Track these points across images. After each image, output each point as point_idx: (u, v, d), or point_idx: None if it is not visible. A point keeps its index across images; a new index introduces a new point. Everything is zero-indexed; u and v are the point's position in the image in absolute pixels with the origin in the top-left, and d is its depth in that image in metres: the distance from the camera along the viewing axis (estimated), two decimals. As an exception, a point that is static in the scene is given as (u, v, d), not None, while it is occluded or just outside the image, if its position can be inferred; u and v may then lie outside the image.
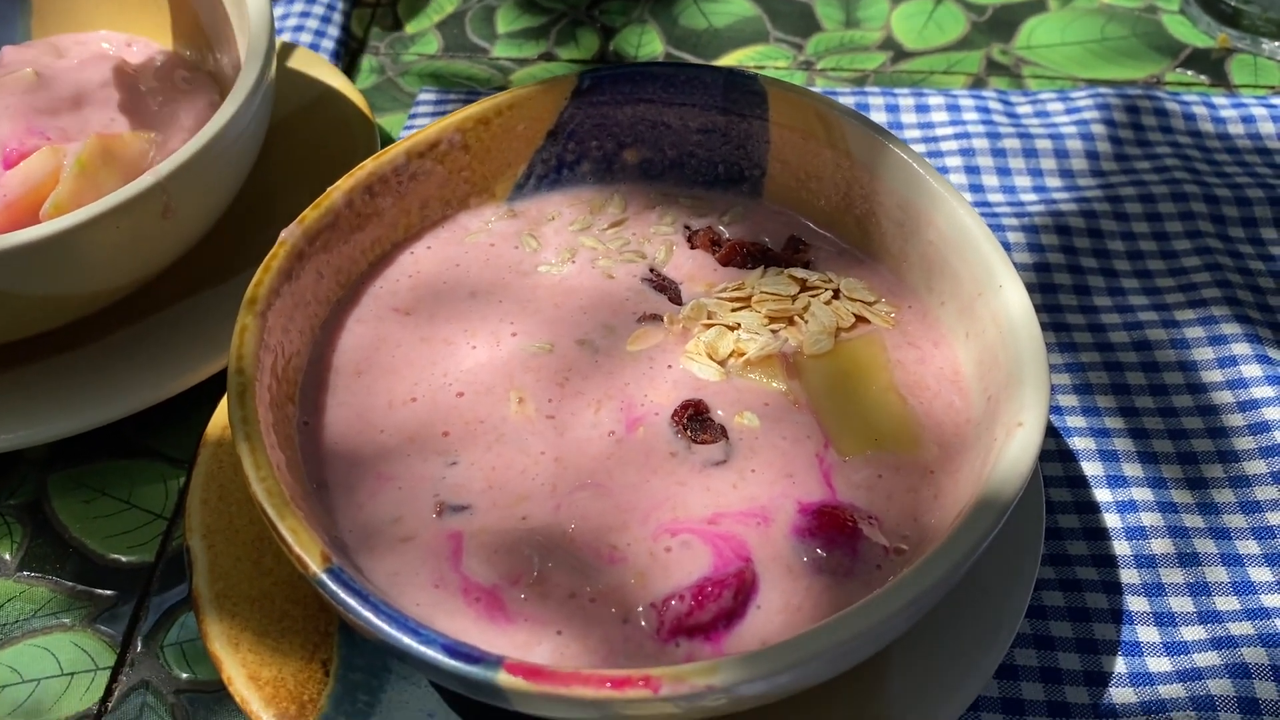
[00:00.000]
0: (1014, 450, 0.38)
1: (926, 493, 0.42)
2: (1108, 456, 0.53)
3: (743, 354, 0.46)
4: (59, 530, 0.51)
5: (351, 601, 0.35)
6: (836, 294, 0.49)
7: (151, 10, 0.64)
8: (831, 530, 0.40)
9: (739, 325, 0.47)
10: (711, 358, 0.46)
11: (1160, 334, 0.58)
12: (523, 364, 0.45)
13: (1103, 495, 0.52)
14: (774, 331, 0.47)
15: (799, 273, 0.49)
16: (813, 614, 0.38)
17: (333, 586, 0.35)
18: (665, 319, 0.47)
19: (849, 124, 0.49)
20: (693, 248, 0.51)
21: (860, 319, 0.48)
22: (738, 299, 0.48)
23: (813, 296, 0.48)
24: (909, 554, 0.40)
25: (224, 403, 0.50)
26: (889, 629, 0.35)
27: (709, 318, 0.47)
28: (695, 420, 0.44)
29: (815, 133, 0.51)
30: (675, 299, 0.48)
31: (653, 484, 0.42)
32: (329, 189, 0.48)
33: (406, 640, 0.34)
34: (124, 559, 0.50)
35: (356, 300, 0.48)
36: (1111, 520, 0.51)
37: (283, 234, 0.46)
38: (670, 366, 0.46)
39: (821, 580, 0.39)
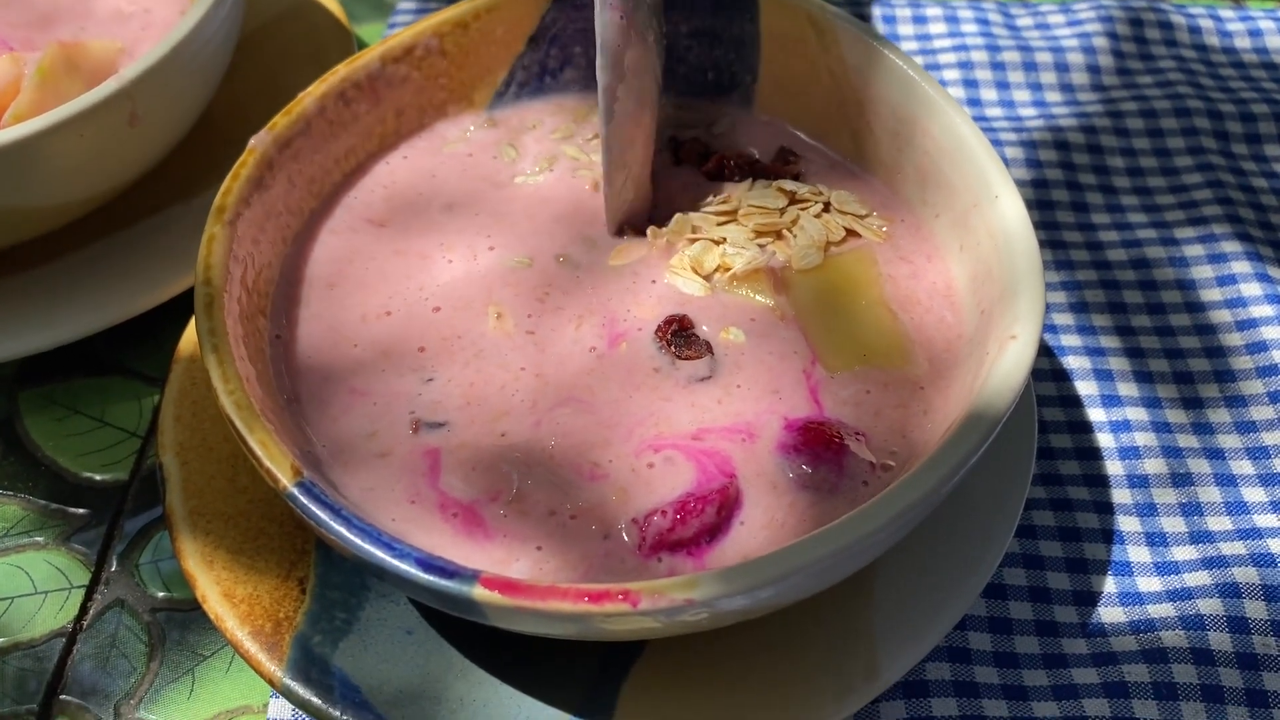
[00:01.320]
0: (1006, 363, 0.37)
1: (916, 408, 0.41)
2: (1102, 376, 0.52)
3: (729, 269, 0.45)
4: (30, 448, 0.50)
5: (323, 515, 0.34)
6: (827, 207, 0.47)
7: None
8: (817, 446, 0.39)
9: (725, 240, 0.45)
10: (697, 272, 0.45)
11: (1159, 252, 0.56)
12: (501, 279, 0.44)
13: (1096, 415, 0.51)
14: (761, 246, 0.45)
15: (788, 185, 0.47)
16: (797, 530, 0.37)
17: (304, 500, 0.34)
18: (649, 233, 0.46)
19: (842, 28, 0.47)
20: (678, 162, 0.49)
21: (851, 233, 0.46)
22: (724, 213, 0.46)
23: (802, 209, 0.47)
24: (896, 470, 0.39)
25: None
26: (873, 545, 0.34)
27: (693, 232, 0.46)
28: (680, 336, 0.43)
29: (807, 38, 0.49)
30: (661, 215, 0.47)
31: (636, 400, 0.41)
32: (300, 94, 0.46)
33: (380, 554, 0.33)
34: (98, 477, 0.49)
35: (330, 211, 0.47)
36: (1105, 440, 0.50)
37: (252, 141, 0.44)
38: (654, 281, 0.45)
39: (806, 496, 0.38)
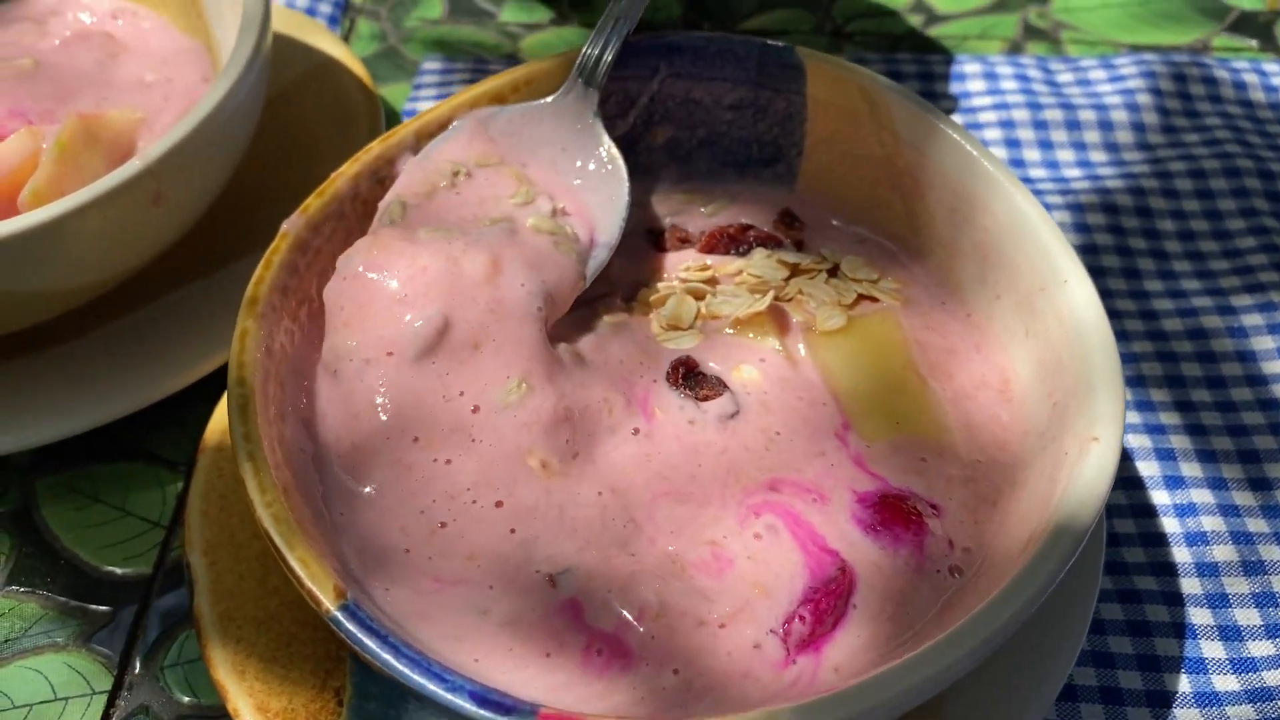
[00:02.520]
0: (1089, 470, 0.35)
1: (982, 488, 0.40)
2: (1164, 455, 0.50)
3: (716, 316, 0.44)
4: (49, 540, 0.48)
5: (370, 643, 0.32)
6: (834, 271, 0.46)
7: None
8: (896, 525, 0.38)
9: (705, 294, 0.45)
10: (677, 327, 0.44)
11: (1216, 321, 0.54)
12: (519, 425, 0.40)
13: (1160, 498, 0.48)
14: (757, 297, 0.44)
15: (790, 256, 0.46)
16: (895, 618, 0.36)
17: (349, 626, 0.32)
18: (628, 303, 0.45)
19: (895, 101, 0.46)
20: (660, 250, 0.48)
21: (865, 297, 0.45)
22: (705, 280, 0.46)
23: (807, 279, 0.45)
24: (974, 555, 0.38)
25: (222, 404, 0.46)
26: (960, 668, 0.32)
27: (658, 291, 0.45)
28: (690, 377, 0.42)
29: (858, 110, 0.47)
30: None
31: (703, 463, 0.40)
32: (333, 174, 0.44)
33: (430, 686, 0.31)
34: (119, 571, 0.47)
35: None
36: (1170, 524, 0.48)
37: (284, 225, 0.42)
38: (649, 338, 0.44)
39: (899, 581, 0.37)
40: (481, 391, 0.39)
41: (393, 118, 0.64)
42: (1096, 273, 0.57)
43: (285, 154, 0.57)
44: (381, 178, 0.45)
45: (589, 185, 0.46)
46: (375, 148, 0.45)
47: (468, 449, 0.38)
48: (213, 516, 0.43)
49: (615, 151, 0.46)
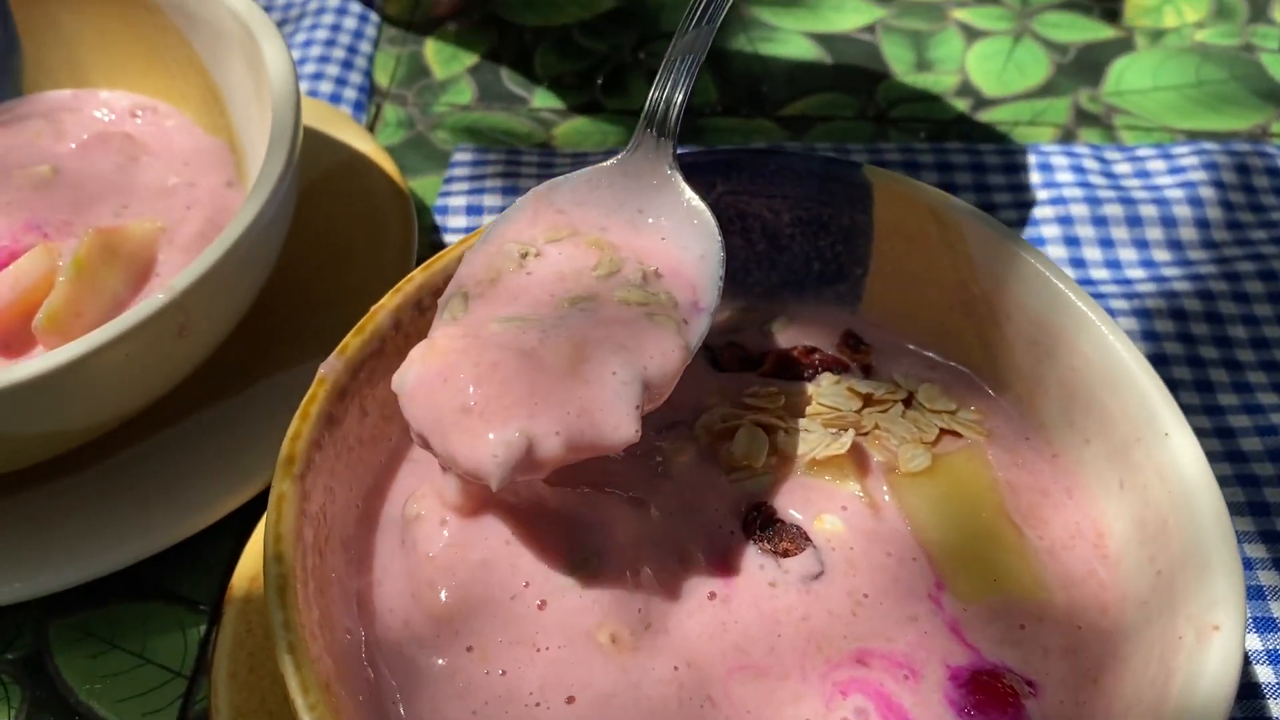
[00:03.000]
0: (1213, 664, 0.32)
1: (1082, 664, 0.37)
2: (1252, 594, 0.47)
3: (788, 456, 0.41)
4: (63, 692, 0.44)
5: None
6: (908, 402, 0.43)
7: (158, 68, 0.57)
8: (992, 711, 0.35)
9: (776, 427, 0.41)
10: (748, 466, 0.40)
11: (1298, 440, 0.52)
12: (588, 602, 0.36)
13: (1250, 643, 0.45)
14: (834, 434, 0.41)
15: (860, 386, 0.43)
16: None
17: None
18: (691, 431, 0.42)
19: (969, 224, 0.43)
20: (721, 370, 0.44)
21: (947, 431, 0.42)
22: (776, 409, 0.42)
23: (881, 412, 0.42)
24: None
25: (251, 547, 0.43)
26: None
27: (724, 421, 0.42)
28: (769, 526, 0.39)
29: (928, 232, 0.44)
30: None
31: (783, 633, 0.36)
32: (372, 309, 0.41)
33: None
34: (138, 727, 0.43)
35: (407, 439, 0.42)
36: (1264, 673, 0.44)
37: (321, 369, 0.39)
38: (719, 476, 0.41)
39: None
40: (549, 574, 0.36)
41: (424, 212, 0.61)
42: (1169, 385, 0.54)
43: (312, 258, 0.54)
44: (425, 308, 0.42)
45: (679, 243, 0.41)
46: (417, 276, 0.42)
47: (531, 660, 0.35)
48: (242, 678, 0.40)
49: (701, 204, 0.41)
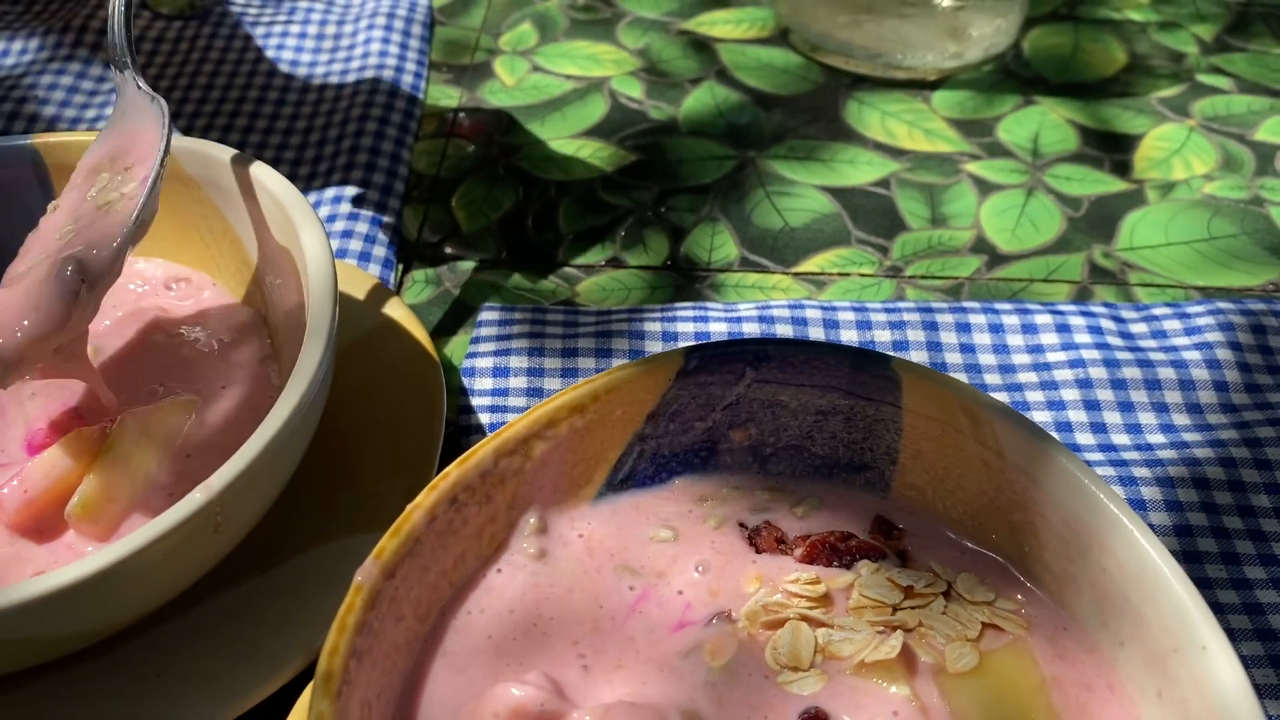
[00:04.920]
0: None
1: None
2: (1289, 782, 0.46)
3: (835, 656, 0.40)
4: None
5: None
6: (948, 594, 0.43)
7: (193, 238, 0.58)
8: None
9: (820, 622, 0.41)
10: (795, 667, 0.40)
11: (1328, 617, 0.51)
12: None
13: (1291, 838, 0.45)
14: (880, 633, 0.41)
15: (900, 575, 0.43)
16: None
17: None
18: (733, 622, 0.42)
19: (1001, 422, 0.43)
20: (759, 552, 0.45)
21: (989, 625, 0.42)
22: (816, 598, 0.42)
23: (921, 606, 0.42)
24: None
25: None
26: None
27: (767, 614, 0.42)
28: None
29: (959, 426, 0.44)
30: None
31: None
32: (407, 508, 0.41)
33: None
34: None
35: (440, 638, 0.42)
36: None
37: (358, 576, 0.39)
38: (766, 677, 0.40)
39: None
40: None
41: (451, 372, 0.61)
42: (1193, 558, 0.54)
43: (340, 429, 0.55)
44: (460, 503, 0.43)
45: (144, 136, 0.52)
46: (452, 473, 0.43)
47: None
48: None
49: (149, 91, 0.53)
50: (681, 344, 0.63)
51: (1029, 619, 0.43)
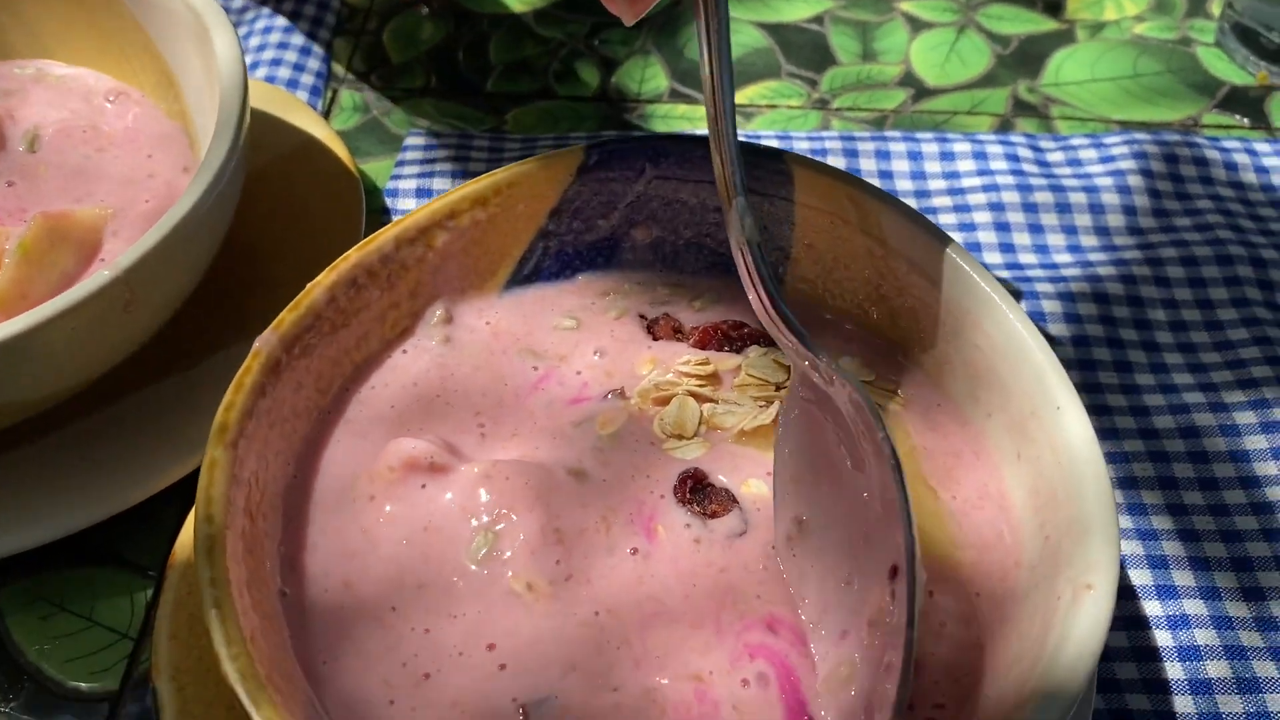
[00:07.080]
0: (1083, 623, 0.34)
1: (969, 633, 0.38)
2: (1156, 563, 0.49)
3: (717, 428, 0.43)
4: (14, 653, 0.46)
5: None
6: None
7: (114, 52, 0.58)
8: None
9: (706, 398, 0.44)
10: (680, 435, 0.43)
11: (1208, 419, 0.54)
12: (501, 563, 0.39)
13: (1152, 608, 0.48)
14: (762, 406, 0.43)
15: (786, 359, 0.45)
16: None
17: (316, 796, 0.31)
18: (626, 399, 0.44)
19: (885, 210, 0.45)
20: (655, 339, 0.47)
21: None
22: (704, 376, 0.45)
23: None
24: (949, 711, 0.37)
25: (193, 517, 0.45)
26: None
27: (659, 390, 0.44)
28: (699, 490, 0.41)
29: (847, 217, 0.46)
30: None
31: (699, 585, 0.39)
32: (308, 285, 0.43)
33: None
34: (85, 686, 0.45)
35: (340, 410, 0.43)
36: (1163, 638, 0.47)
37: (256, 343, 0.41)
38: (652, 444, 0.43)
39: None
40: (460, 550, 0.38)
41: (374, 194, 0.62)
42: (1088, 365, 0.56)
43: (259, 240, 0.56)
44: (360, 285, 0.44)
45: None
46: (353, 255, 0.44)
47: (450, 623, 0.37)
48: (181, 638, 0.42)
49: None
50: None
51: (906, 398, 0.45)
